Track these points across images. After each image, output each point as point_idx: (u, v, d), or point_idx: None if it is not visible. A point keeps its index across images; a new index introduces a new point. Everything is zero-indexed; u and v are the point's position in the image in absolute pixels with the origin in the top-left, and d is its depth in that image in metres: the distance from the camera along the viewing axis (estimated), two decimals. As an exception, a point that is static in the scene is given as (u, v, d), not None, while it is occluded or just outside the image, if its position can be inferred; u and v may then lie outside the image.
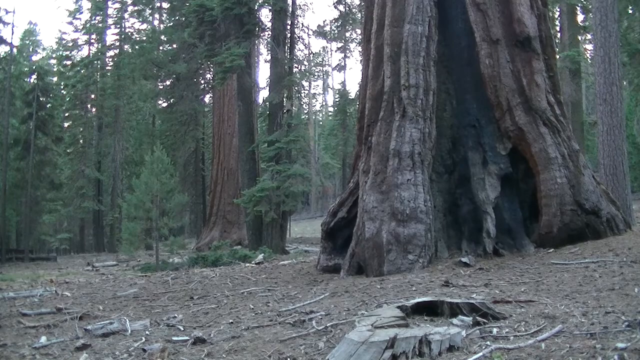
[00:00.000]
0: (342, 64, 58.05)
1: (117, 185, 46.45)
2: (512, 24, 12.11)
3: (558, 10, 33.31)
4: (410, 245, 10.64)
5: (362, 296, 8.18)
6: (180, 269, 19.11)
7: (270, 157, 25.22)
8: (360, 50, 28.33)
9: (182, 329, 7.30)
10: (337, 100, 62.77)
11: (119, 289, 13.30)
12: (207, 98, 45.67)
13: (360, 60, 25.55)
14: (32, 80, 46.57)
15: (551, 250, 10.85)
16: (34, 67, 48.15)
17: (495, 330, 5.26)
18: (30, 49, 60.59)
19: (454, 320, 5.53)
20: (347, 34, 50.82)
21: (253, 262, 19.21)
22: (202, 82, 39.16)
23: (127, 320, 7.85)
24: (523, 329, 5.21)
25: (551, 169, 11.41)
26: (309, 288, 10.36)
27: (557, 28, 32.77)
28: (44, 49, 62.37)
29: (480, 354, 4.48)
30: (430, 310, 6.07)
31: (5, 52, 44.98)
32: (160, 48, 41.17)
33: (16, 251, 42.12)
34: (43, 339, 7.31)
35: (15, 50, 48.75)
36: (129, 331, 7.30)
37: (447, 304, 5.97)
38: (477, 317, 5.52)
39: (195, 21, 27.04)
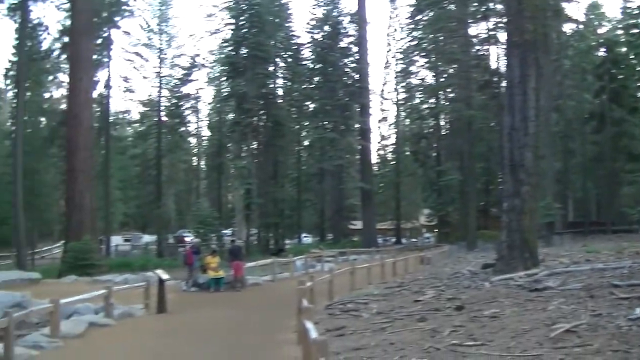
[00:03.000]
0: None
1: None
2: None
3: None
4: None
5: None
6: None
7: None
8: None
9: None
10: None
11: None
12: None
13: None
14: (601, 54, 46.84)
15: None
16: (601, 41, 48.34)
17: None
18: (596, 23, 60.42)
19: None
20: None
21: None
22: None
23: None
24: None
25: None
26: None
27: None
28: (609, 21, 61.48)
29: None
30: None
31: (572, 29, 46.21)
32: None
33: (597, 223, 43.08)
34: (638, 311, 7.38)
35: (581, 26, 49.67)
36: None
37: None
38: None
39: None
